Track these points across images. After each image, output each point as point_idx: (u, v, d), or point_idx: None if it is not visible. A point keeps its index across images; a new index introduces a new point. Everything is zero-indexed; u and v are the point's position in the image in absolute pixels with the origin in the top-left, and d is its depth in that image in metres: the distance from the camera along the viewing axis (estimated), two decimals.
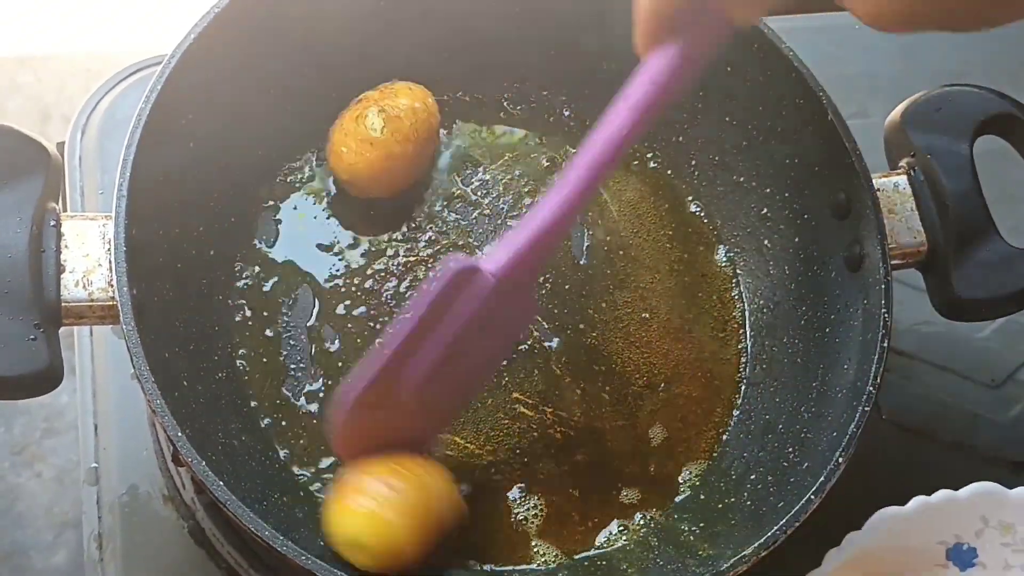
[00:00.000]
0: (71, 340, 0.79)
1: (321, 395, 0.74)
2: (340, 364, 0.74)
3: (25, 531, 0.79)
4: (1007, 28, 1.01)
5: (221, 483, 0.62)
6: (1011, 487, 0.71)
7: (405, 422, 0.67)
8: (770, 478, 0.72)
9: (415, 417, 0.68)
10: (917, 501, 0.70)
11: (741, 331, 0.79)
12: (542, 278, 0.78)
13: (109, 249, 0.66)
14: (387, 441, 0.67)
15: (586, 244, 0.80)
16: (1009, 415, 0.83)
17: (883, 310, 0.69)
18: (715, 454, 0.76)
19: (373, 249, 0.78)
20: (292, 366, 0.74)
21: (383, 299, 0.76)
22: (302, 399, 0.74)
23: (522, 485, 0.73)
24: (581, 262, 0.79)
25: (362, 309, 0.76)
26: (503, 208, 0.80)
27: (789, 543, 0.66)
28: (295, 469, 0.72)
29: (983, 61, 0.95)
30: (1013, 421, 0.83)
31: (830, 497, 0.67)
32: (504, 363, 0.75)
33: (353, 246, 0.77)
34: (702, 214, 0.82)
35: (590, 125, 0.82)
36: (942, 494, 0.71)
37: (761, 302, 0.79)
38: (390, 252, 0.78)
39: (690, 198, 0.82)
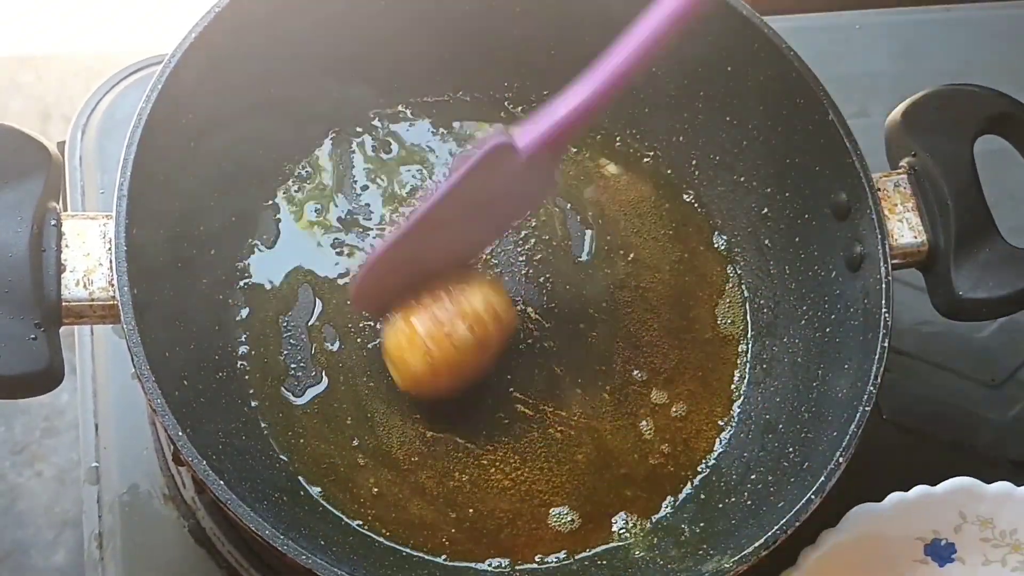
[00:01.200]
0: (71, 340, 0.79)
1: (321, 395, 0.74)
2: (341, 364, 0.74)
3: (26, 530, 0.79)
4: (1007, 27, 1.02)
5: (221, 482, 0.62)
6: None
7: (416, 278, 0.72)
8: (770, 478, 0.72)
9: (426, 271, 0.72)
10: (893, 497, 0.70)
11: (741, 331, 0.79)
12: (542, 278, 0.78)
13: (110, 248, 0.66)
14: (398, 295, 0.72)
15: (587, 243, 0.80)
16: (1009, 415, 0.83)
17: (883, 310, 0.69)
18: (715, 453, 0.76)
19: (373, 248, 0.78)
20: (292, 366, 0.74)
21: None
22: (302, 399, 0.74)
23: (522, 485, 0.73)
24: (582, 261, 0.79)
25: None
26: None
27: (790, 542, 0.66)
28: (295, 468, 0.72)
29: (983, 61, 0.95)
30: (1013, 421, 0.83)
31: (830, 496, 0.67)
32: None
33: (353, 245, 0.78)
34: (703, 214, 0.82)
35: (590, 124, 0.83)
36: (919, 490, 0.71)
37: (761, 302, 0.79)
38: None
39: (691, 198, 0.82)
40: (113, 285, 0.65)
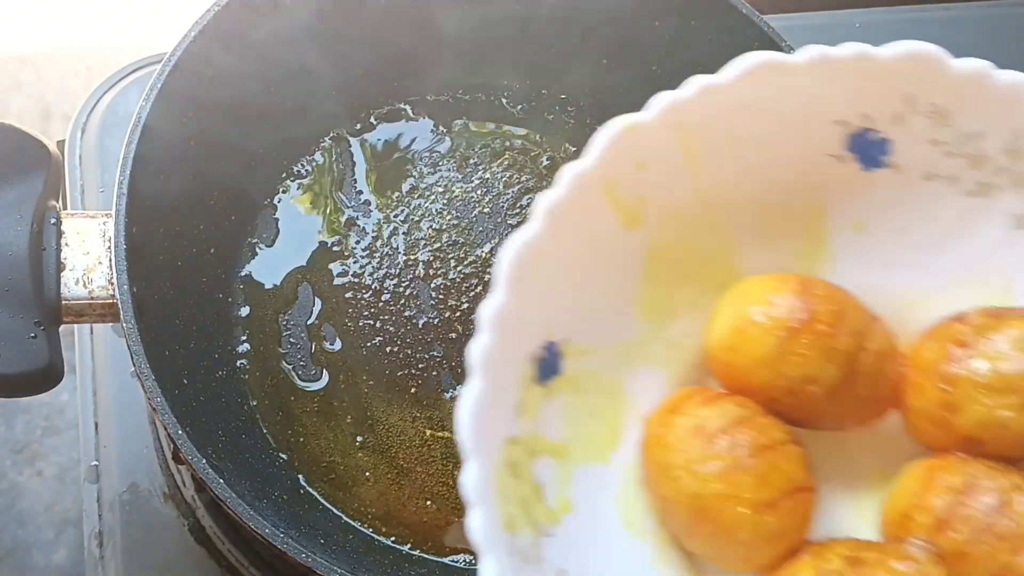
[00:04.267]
0: (71, 339, 0.80)
1: (321, 394, 0.74)
2: (341, 363, 0.74)
3: (26, 529, 0.79)
4: (1007, 26, 1.02)
5: (221, 481, 0.62)
6: None
7: None
8: None
9: None
10: (812, 53, 0.49)
11: None
12: None
13: (109, 247, 0.66)
14: None
15: None
16: None
17: None
18: None
19: (373, 248, 0.78)
20: (292, 364, 0.74)
21: (383, 298, 0.76)
22: (302, 397, 0.74)
23: None
24: None
25: (362, 308, 0.76)
26: (503, 206, 0.80)
27: None
28: (295, 467, 0.72)
29: (983, 59, 0.95)
30: None
31: None
32: None
33: (353, 245, 0.78)
34: None
35: (590, 123, 0.83)
36: (853, 48, 0.49)
37: None
38: (389, 251, 0.78)
39: None
40: (113, 284, 0.65)
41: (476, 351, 0.47)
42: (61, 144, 0.84)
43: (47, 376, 0.64)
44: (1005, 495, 0.47)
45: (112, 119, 0.84)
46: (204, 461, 0.62)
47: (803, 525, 0.50)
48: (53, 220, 0.66)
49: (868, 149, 0.52)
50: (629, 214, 0.53)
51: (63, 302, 0.65)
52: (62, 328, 0.66)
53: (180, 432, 0.62)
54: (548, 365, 0.51)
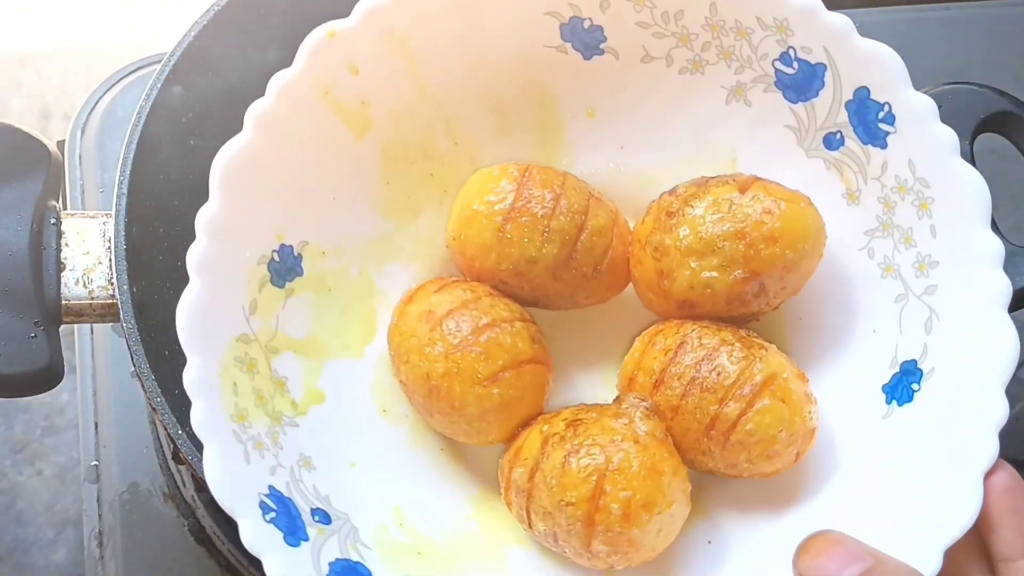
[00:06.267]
0: (71, 339, 0.80)
1: None
2: None
3: (26, 528, 0.79)
4: (1007, 26, 1.02)
5: None
6: None
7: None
8: None
9: None
10: None
11: None
12: None
13: (109, 247, 0.66)
14: None
15: None
16: (1009, 414, 0.83)
17: None
18: None
19: None
20: None
21: None
22: None
23: None
24: None
25: None
26: None
27: None
28: None
29: (983, 59, 0.95)
30: (1013, 420, 0.83)
31: None
32: None
33: None
34: None
35: None
36: None
37: None
38: None
39: None
40: (113, 284, 0.65)
41: (192, 257, 0.52)
42: (61, 144, 0.84)
43: (47, 376, 0.64)
44: (712, 352, 0.52)
45: (112, 119, 0.84)
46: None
47: (535, 397, 0.55)
48: (53, 220, 0.66)
49: (584, 37, 0.56)
50: (356, 120, 0.57)
51: (63, 302, 0.65)
52: (62, 328, 0.66)
53: (180, 432, 0.62)
54: (284, 267, 0.56)
